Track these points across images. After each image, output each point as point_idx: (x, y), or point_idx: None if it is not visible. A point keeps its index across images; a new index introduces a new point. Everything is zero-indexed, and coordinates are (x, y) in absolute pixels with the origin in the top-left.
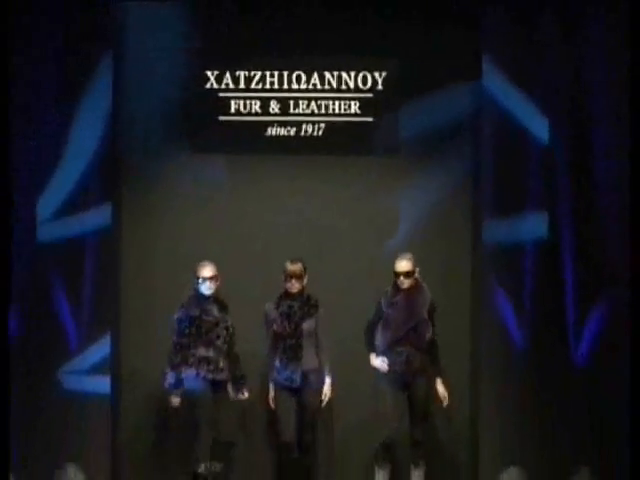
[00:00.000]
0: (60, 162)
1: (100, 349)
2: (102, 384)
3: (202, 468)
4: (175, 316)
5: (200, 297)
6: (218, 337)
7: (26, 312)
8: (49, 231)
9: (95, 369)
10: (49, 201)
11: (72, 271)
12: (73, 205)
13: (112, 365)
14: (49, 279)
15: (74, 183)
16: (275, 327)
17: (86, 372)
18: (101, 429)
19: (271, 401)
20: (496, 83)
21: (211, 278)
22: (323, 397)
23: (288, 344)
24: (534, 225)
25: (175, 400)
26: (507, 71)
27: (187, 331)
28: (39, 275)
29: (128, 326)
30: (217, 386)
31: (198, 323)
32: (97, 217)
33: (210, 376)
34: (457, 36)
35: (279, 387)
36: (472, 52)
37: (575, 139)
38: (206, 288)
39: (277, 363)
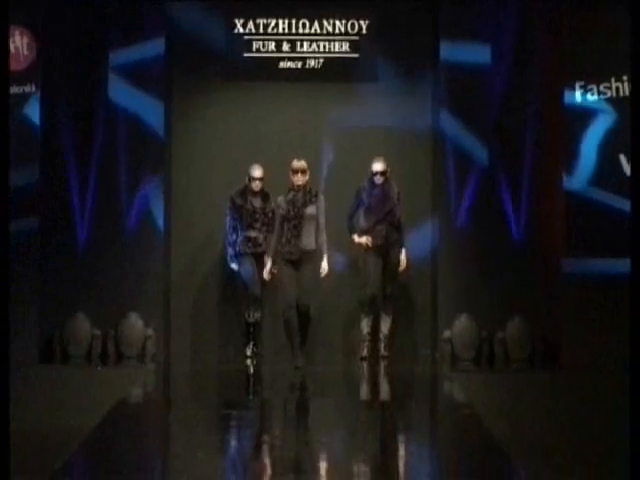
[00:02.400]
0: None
1: (154, 190)
2: (157, 221)
3: (249, 316)
4: (228, 205)
5: (247, 191)
6: (256, 221)
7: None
8: (119, 88)
9: (149, 195)
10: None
11: (133, 135)
12: (138, 82)
13: (165, 207)
14: (117, 137)
15: (145, 61)
16: (281, 211)
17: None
18: (155, 273)
19: (276, 270)
20: (450, 38)
21: (260, 178)
22: (321, 271)
23: (292, 224)
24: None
25: (234, 266)
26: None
27: (235, 215)
28: (109, 131)
29: (178, 173)
30: (258, 257)
31: (241, 211)
32: (154, 108)
33: (250, 250)
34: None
35: (283, 260)
36: (431, 10)
37: None
38: (255, 186)
39: (283, 240)
